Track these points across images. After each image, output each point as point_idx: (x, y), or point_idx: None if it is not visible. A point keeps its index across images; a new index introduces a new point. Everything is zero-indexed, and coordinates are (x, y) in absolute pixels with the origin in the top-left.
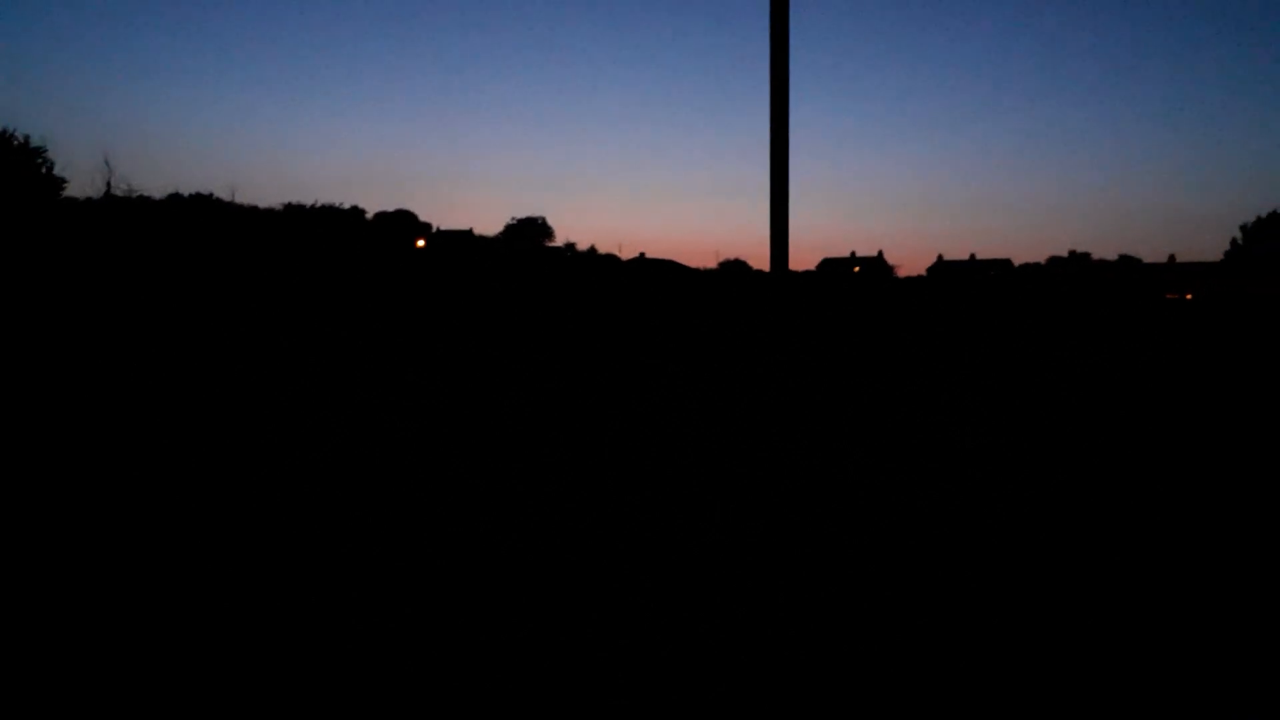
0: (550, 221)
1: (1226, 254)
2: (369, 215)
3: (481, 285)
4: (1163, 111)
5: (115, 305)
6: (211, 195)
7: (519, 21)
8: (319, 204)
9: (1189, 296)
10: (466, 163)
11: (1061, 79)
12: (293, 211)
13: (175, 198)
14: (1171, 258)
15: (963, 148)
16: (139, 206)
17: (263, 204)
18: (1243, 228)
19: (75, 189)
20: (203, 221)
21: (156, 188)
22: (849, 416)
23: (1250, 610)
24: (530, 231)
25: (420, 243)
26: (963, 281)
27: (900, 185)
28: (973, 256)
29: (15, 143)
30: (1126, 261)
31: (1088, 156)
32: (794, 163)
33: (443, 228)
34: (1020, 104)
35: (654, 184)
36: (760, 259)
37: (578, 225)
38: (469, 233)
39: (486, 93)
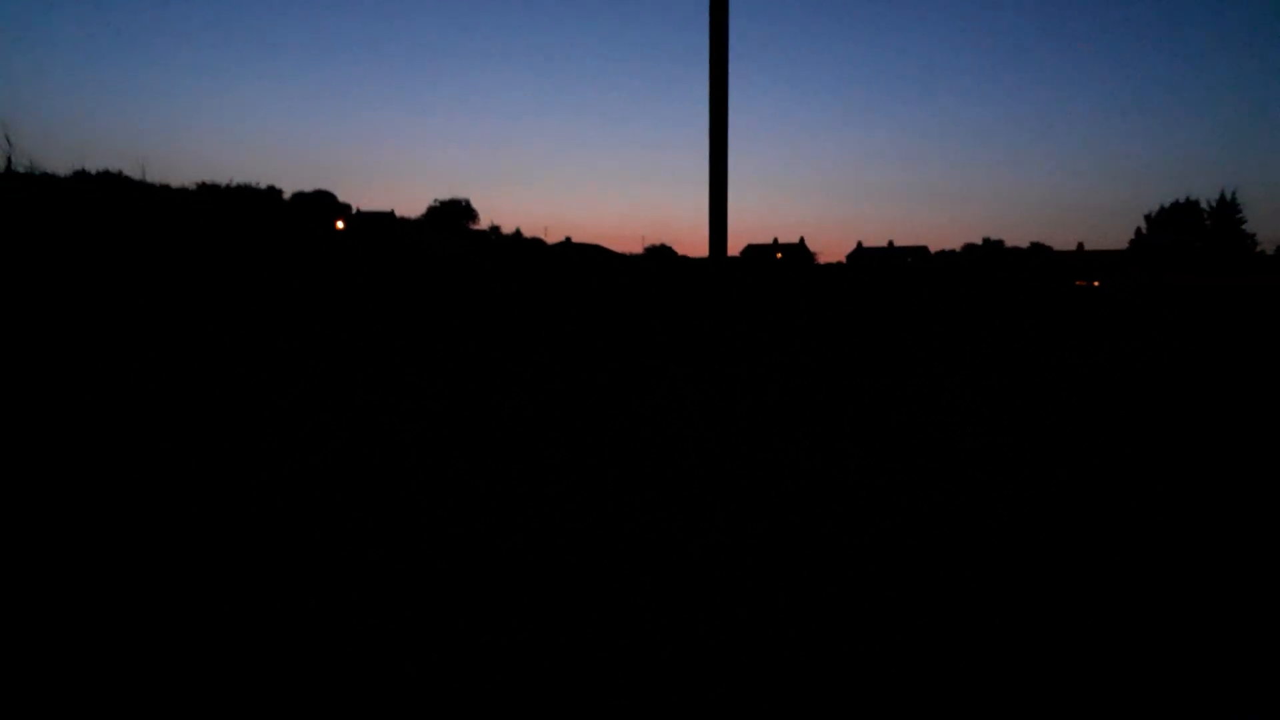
0: (475, 205)
1: (1131, 242)
2: (286, 195)
3: (402, 264)
4: (1073, 103)
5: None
6: (120, 173)
7: (442, 6)
8: (234, 183)
9: (1096, 284)
10: (388, 145)
11: (977, 71)
12: (207, 191)
13: (81, 175)
14: (1080, 245)
15: (882, 136)
16: (42, 184)
17: (175, 183)
18: (1147, 217)
19: None
20: (111, 200)
21: (61, 165)
22: (792, 390)
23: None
24: (454, 214)
25: (339, 224)
26: (881, 267)
27: (821, 174)
28: (891, 244)
29: None
30: (1038, 249)
31: (1002, 146)
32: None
33: (363, 209)
34: (937, 95)
35: (581, 170)
36: (686, 245)
37: (503, 209)
38: (390, 214)
39: (410, 74)
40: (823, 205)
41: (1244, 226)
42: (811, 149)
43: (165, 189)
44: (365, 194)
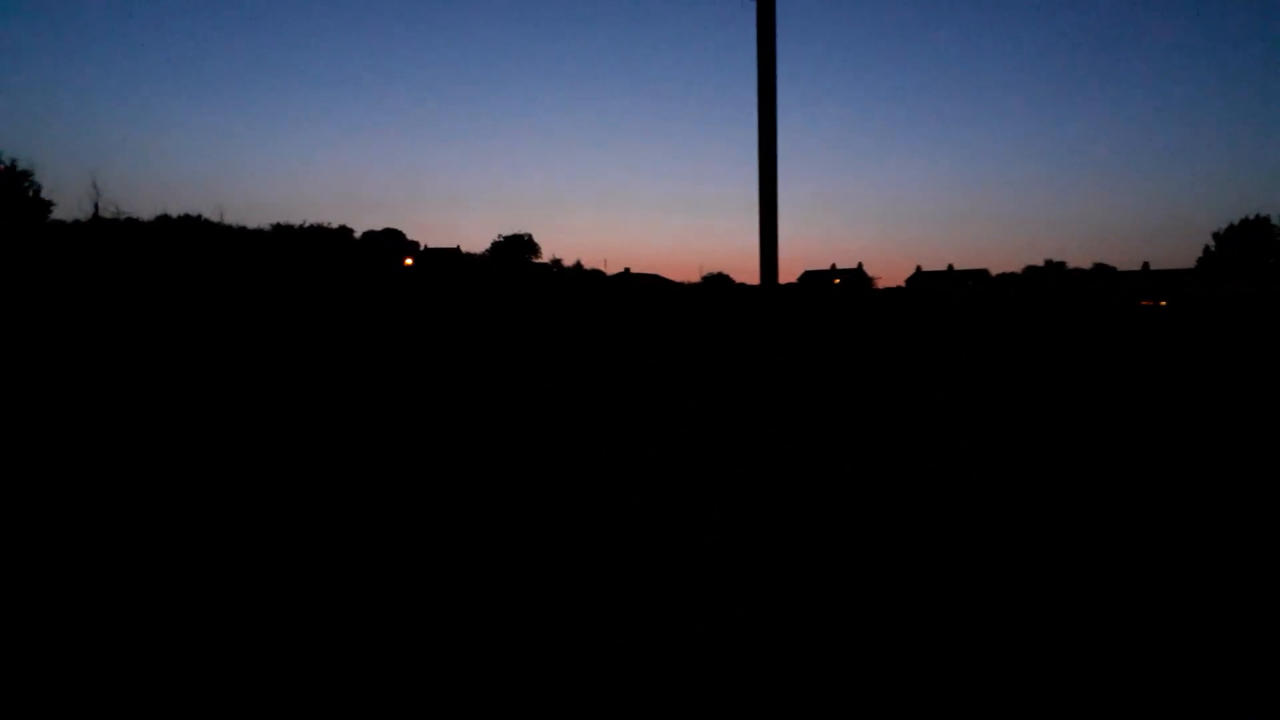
0: (536, 239)
1: (1200, 260)
2: (357, 234)
3: (472, 298)
4: (1136, 121)
5: (107, 323)
6: (200, 216)
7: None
8: (307, 224)
9: (1163, 303)
10: (453, 182)
11: (1035, 92)
12: (281, 232)
13: (164, 219)
14: (1145, 265)
15: (939, 161)
16: (127, 228)
17: (251, 224)
18: (1215, 235)
19: (63, 211)
20: (192, 242)
21: (145, 209)
22: (843, 416)
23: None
24: (517, 248)
25: (408, 261)
26: (941, 291)
27: (879, 199)
28: (950, 267)
29: (2, 166)
30: (1101, 270)
31: (1064, 166)
32: (780, 176)
33: (430, 246)
34: (995, 116)
35: (636, 200)
36: (741, 272)
37: (563, 242)
38: (456, 250)
39: (471, 112)
40: (882, 230)
41: None
42: (870, 173)
43: (242, 230)
44: (432, 231)
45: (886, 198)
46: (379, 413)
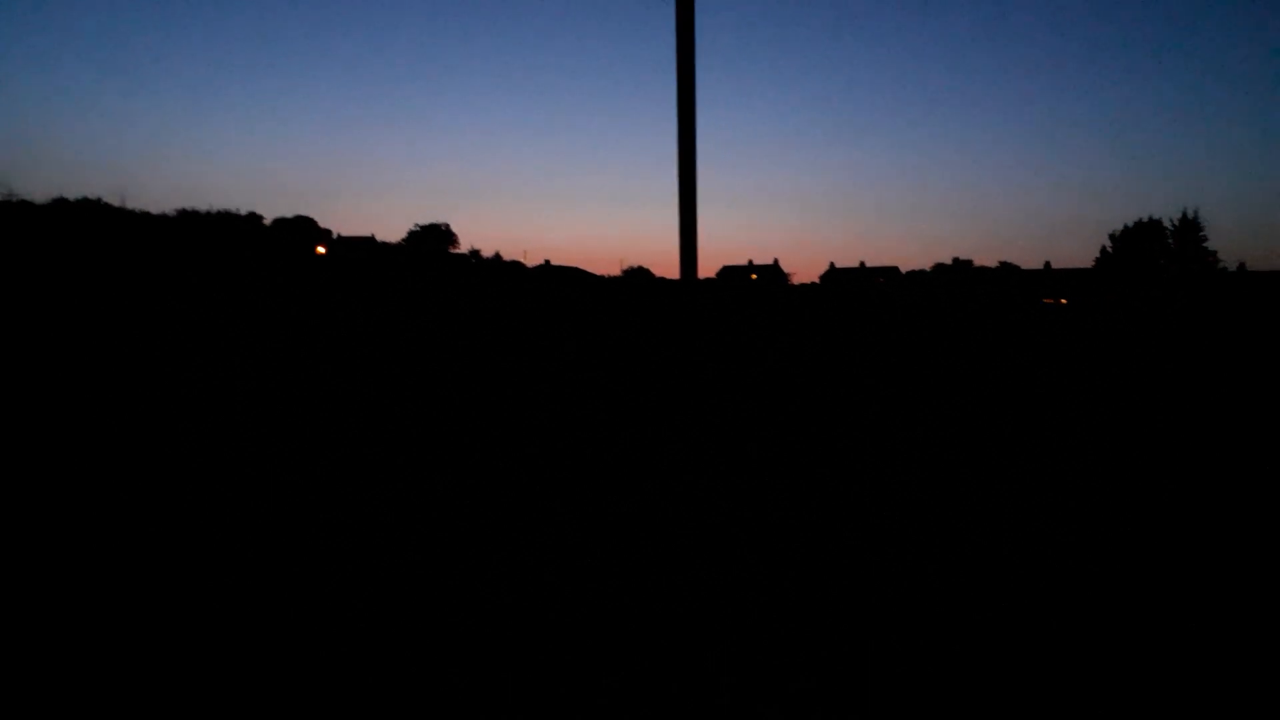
0: (454, 228)
1: (1097, 260)
2: (267, 221)
3: (385, 290)
4: (1038, 124)
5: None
6: (99, 200)
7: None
8: (214, 210)
9: (1064, 301)
10: (367, 171)
11: (945, 95)
12: (186, 217)
13: (60, 202)
14: (1047, 264)
15: (852, 159)
16: (18, 211)
17: (155, 210)
18: (1112, 235)
19: None
20: (91, 227)
21: (40, 192)
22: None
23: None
24: (434, 238)
25: (320, 249)
26: (853, 287)
27: (796, 195)
28: (862, 264)
29: None
30: (1006, 268)
31: (969, 166)
32: (700, 173)
33: (344, 234)
34: (907, 117)
35: (557, 193)
36: (662, 266)
37: (482, 233)
38: (371, 239)
39: (390, 99)
40: (797, 227)
41: (1206, 244)
42: (785, 172)
43: (145, 215)
44: (346, 219)
45: (802, 196)
46: (283, 405)
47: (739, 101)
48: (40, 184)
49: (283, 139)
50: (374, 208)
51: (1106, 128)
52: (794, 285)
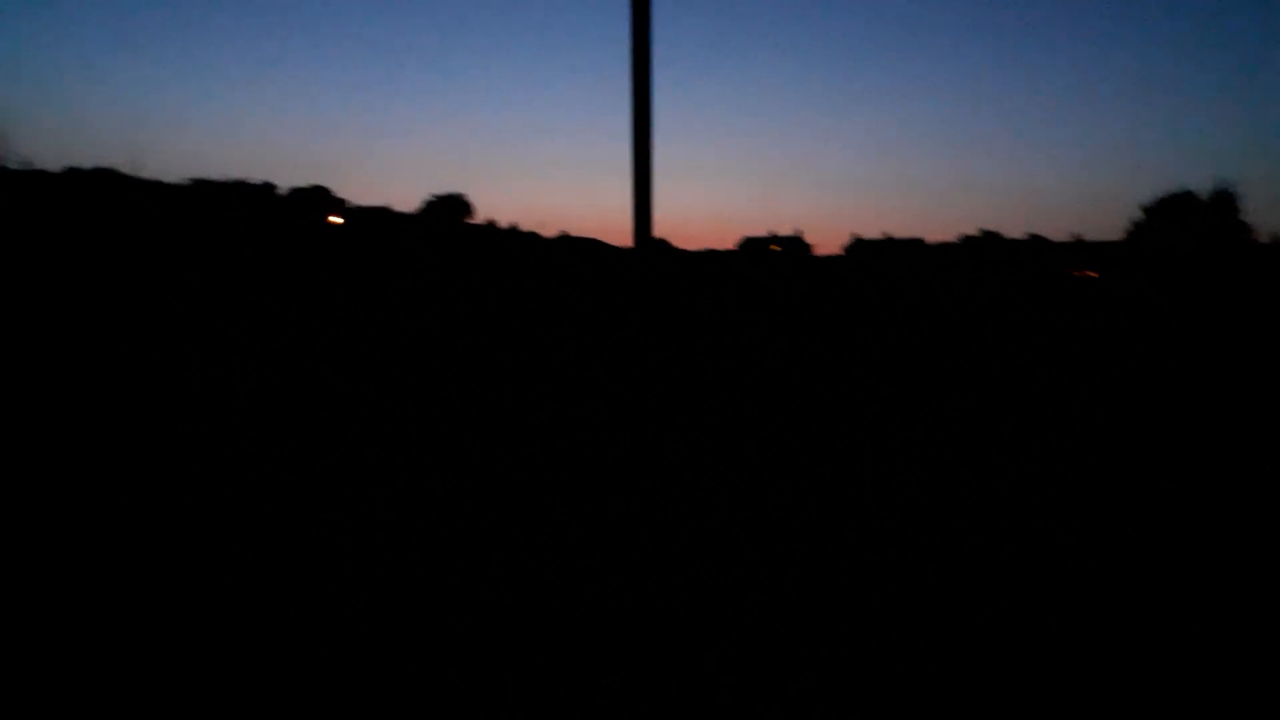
0: (470, 198)
1: (1128, 233)
2: (282, 191)
3: (401, 260)
4: (1068, 94)
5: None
6: (114, 169)
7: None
8: (229, 179)
9: (1093, 275)
10: (383, 139)
11: (974, 62)
12: (201, 186)
13: (73, 171)
14: (1077, 236)
15: (878, 129)
16: (33, 180)
17: (168, 179)
18: (1143, 207)
19: None
20: (105, 195)
21: (54, 161)
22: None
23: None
24: (451, 208)
25: (335, 219)
26: (878, 259)
27: (819, 166)
28: (887, 236)
29: None
30: (1035, 240)
31: (997, 137)
32: (713, 140)
33: (359, 204)
34: (934, 86)
35: (580, 163)
36: (679, 238)
37: (502, 204)
38: (386, 209)
39: (405, 67)
40: (820, 199)
41: (1241, 217)
42: (809, 142)
43: (158, 185)
44: (361, 189)
45: (825, 167)
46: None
47: (761, 70)
48: (56, 154)
49: (299, 110)
50: (391, 179)
51: (1141, 96)
52: (816, 257)
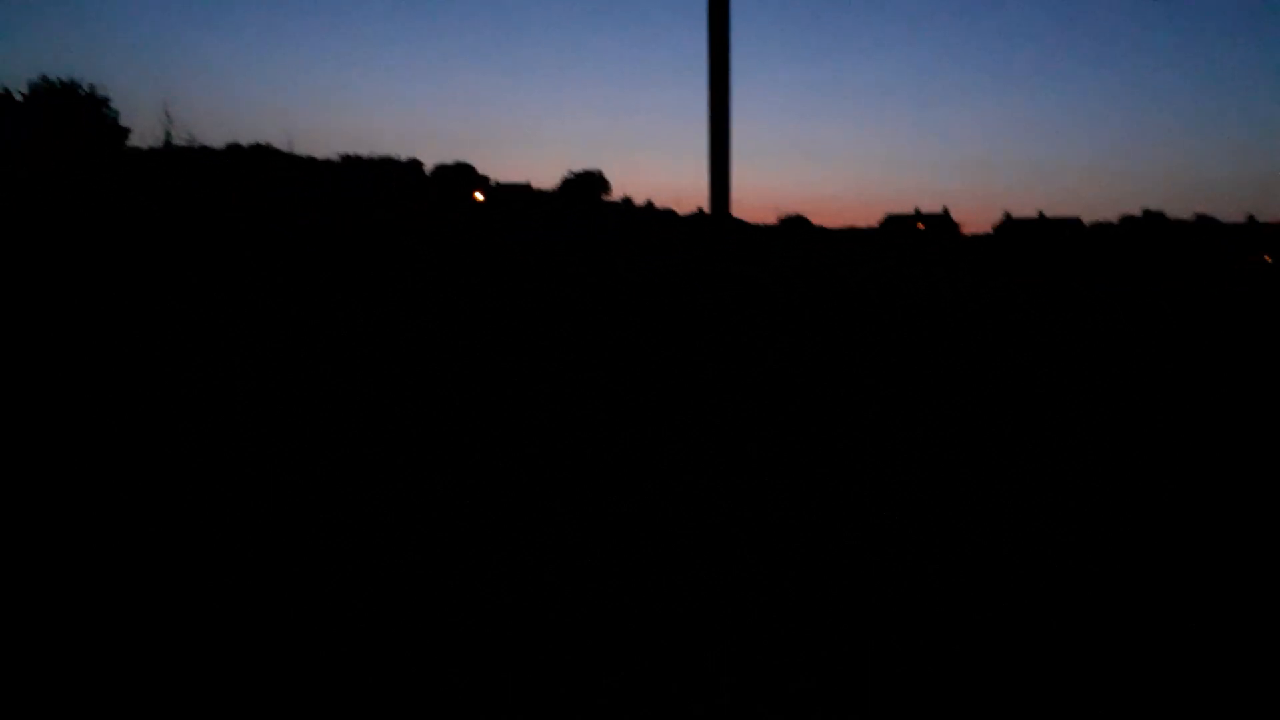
0: (607, 175)
1: None
2: (427, 168)
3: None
4: (1238, 68)
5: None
6: (270, 145)
7: None
8: (376, 155)
9: (1268, 259)
10: (525, 117)
11: (1132, 38)
12: (350, 163)
13: (234, 147)
14: (1250, 217)
15: (1029, 106)
16: (200, 156)
17: (320, 155)
18: None
19: (137, 138)
20: (262, 170)
21: (216, 138)
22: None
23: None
24: (588, 185)
25: (479, 195)
26: (1032, 239)
27: (966, 144)
28: (1041, 214)
29: (81, 92)
30: (1204, 221)
31: (1161, 113)
32: (861, 121)
33: (501, 181)
34: (1087, 59)
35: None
36: (822, 216)
37: (637, 180)
38: (527, 186)
39: (546, 42)
40: (969, 176)
41: None
42: (959, 116)
43: (311, 160)
44: (502, 166)
45: (976, 144)
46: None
47: (906, 46)
48: (214, 129)
49: (444, 88)
50: (530, 154)
51: None
52: (965, 235)
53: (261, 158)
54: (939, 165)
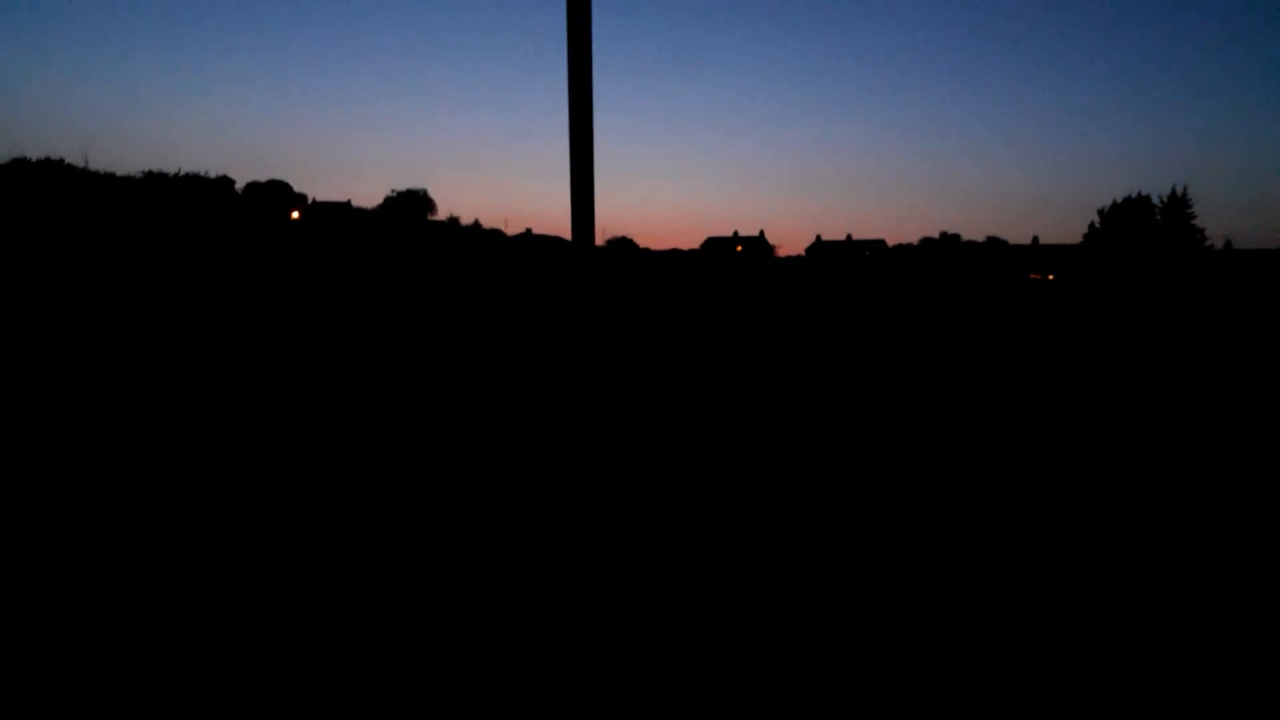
0: (432, 194)
1: (1085, 236)
2: (239, 185)
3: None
4: (1029, 99)
5: None
6: (62, 160)
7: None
8: (182, 172)
9: (1050, 277)
10: (344, 137)
11: (934, 67)
12: (154, 180)
13: (19, 162)
14: (1035, 240)
15: (840, 131)
16: None
17: (120, 171)
18: (1100, 211)
19: None
20: (51, 188)
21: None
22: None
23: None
24: (411, 204)
25: (295, 214)
26: (840, 260)
27: (782, 166)
28: (849, 237)
29: None
30: (994, 242)
31: (958, 141)
32: (678, 141)
33: (319, 199)
34: (896, 90)
35: (543, 160)
36: (648, 237)
37: (464, 200)
38: (347, 204)
39: (368, 61)
40: (783, 199)
41: (1194, 221)
42: (772, 143)
43: (110, 177)
44: (322, 185)
45: (788, 167)
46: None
47: (727, 70)
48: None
49: (255, 102)
50: (352, 175)
51: (1099, 101)
52: (779, 257)
53: (52, 173)
54: (758, 188)
